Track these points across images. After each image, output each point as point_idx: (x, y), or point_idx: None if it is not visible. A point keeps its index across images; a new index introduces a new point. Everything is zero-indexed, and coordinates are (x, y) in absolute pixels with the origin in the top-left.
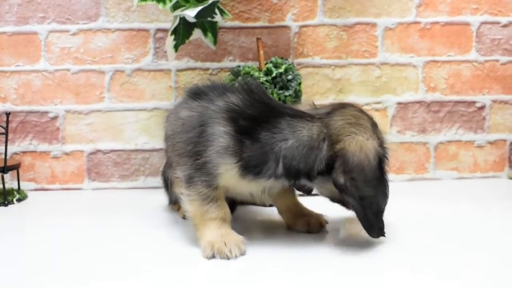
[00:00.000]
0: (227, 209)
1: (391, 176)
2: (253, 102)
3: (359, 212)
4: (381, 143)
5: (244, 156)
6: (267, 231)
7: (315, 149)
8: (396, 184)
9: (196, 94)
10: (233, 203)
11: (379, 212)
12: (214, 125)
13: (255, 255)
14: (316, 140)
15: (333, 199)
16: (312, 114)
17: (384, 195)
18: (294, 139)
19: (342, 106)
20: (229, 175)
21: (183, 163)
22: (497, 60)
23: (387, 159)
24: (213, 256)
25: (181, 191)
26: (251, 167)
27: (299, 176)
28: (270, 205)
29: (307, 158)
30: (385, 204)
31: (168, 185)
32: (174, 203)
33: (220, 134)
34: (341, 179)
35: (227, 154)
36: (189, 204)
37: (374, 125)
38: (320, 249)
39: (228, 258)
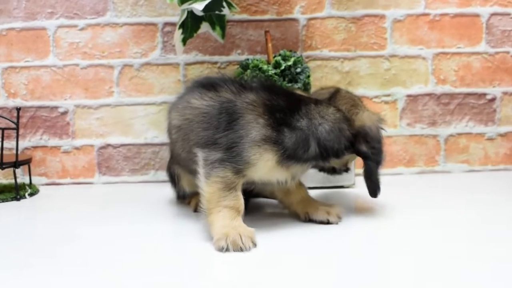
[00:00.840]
0: (242, 201)
1: (401, 169)
2: (279, 93)
3: (375, 174)
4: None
5: (286, 145)
6: (276, 223)
7: (342, 129)
8: (406, 177)
9: (207, 85)
10: (247, 197)
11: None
12: (249, 116)
13: (265, 247)
14: (340, 121)
15: (331, 170)
16: (321, 100)
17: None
18: (328, 122)
19: (336, 91)
20: (266, 164)
21: (208, 150)
22: (507, 52)
23: (383, 129)
24: (227, 248)
25: (200, 170)
26: (294, 154)
27: (331, 155)
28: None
29: (340, 138)
30: None
31: (175, 180)
32: (183, 197)
33: (260, 125)
34: (364, 148)
35: (268, 144)
36: (207, 185)
37: (361, 101)
38: (330, 239)
39: (242, 251)
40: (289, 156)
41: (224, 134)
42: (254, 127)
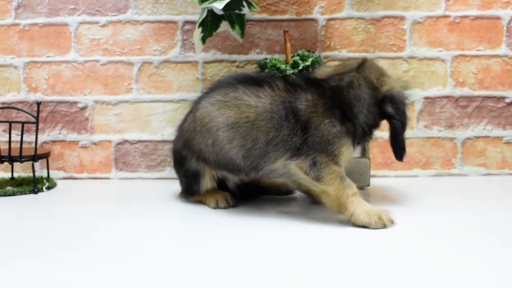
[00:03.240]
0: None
1: (417, 171)
2: (327, 89)
3: (400, 134)
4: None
5: (354, 134)
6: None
7: (375, 104)
8: (422, 179)
9: (255, 81)
10: (255, 191)
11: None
12: (320, 118)
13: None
14: (372, 97)
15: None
16: (347, 69)
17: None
18: (364, 106)
19: (364, 61)
20: (348, 153)
21: (297, 157)
22: None
23: (410, 93)
24: (384, 225)
25: (306, 177)
26: (359, 140)
27: (374, 130)
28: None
29: (375, 114)
30: None
31: (197, 177)
32: (197, 194)
33: (330, 123)
34: (390, 109)
35: (343, 136)
36: (327, 184)
37: (385, 71)
38: (341, 240)
39: (385, 226)
40: (358, 143)
41: (305, 140)
42: (325, 126)
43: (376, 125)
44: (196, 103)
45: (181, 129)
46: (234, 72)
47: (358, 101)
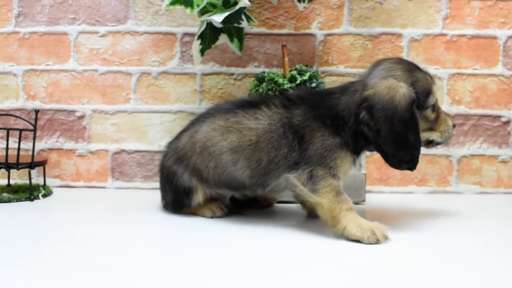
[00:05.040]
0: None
1: (412, 188)
2: (321, 101)
3: (383, 146)
4: (416, 87)
5: (352, 145)
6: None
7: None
8: (417, 196)
9: (252, 104)
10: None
11: (405, 145)
12: (312, 132)
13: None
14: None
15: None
16: (358, 80)
17: (415, 132)
18: (351, 115)
19: (378, 63)
20: (344, 165)
21: (296, 170)
22: None
23: (422, 99)
24: (378, 241)
25: (303, 189)
26: (358, 150)
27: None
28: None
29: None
30: (415, 139)
31: (189, 193)
32: (188, 207)
33: (325, 135)
34: (362, 112)
35: (336, 149)
36: (321, 197)
37: (410, 70)
38: (330, 257)
39: (379, 242)
40: (357, 154)
41: (301, 154)
42: (319, 139)
43: (362, 136)
44: (193, 124)
45: (174, 146)
46: (232, 85)
47: (349, 109)
